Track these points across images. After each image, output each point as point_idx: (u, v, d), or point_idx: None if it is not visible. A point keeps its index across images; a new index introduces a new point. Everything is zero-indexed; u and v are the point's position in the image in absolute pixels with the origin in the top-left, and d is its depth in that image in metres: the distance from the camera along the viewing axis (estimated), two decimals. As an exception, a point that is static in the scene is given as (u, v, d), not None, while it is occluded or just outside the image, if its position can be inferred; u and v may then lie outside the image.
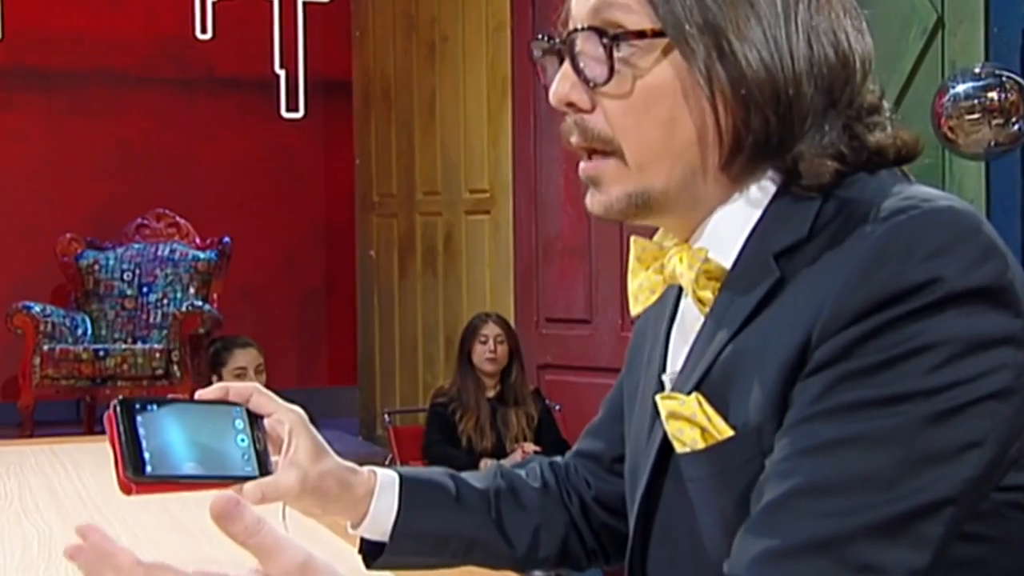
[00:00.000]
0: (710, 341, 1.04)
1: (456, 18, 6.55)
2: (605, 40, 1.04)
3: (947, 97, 3.65)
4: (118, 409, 1.12)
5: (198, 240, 7.49)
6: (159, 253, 7.39)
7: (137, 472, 1.11)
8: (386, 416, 5.49)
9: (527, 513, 1.34)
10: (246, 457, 1.19)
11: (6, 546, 1.65)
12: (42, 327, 6.86)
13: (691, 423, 1.02)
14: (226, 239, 7.39)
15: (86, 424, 7.16)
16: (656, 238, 1.16)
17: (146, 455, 1.11)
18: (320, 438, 1.25)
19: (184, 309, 6.97)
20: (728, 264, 1.05)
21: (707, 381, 1.03)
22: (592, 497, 1.36)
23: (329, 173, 8.14)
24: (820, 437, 0.92)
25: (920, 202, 0.97)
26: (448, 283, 6.65)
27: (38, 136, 7.62)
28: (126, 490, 1.12)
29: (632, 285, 1.12)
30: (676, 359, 1.13)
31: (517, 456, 4.87)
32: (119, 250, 7.41)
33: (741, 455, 0.99)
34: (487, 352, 4.97)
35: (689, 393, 1.03)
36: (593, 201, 1.10)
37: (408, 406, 6.54)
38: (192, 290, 7.29)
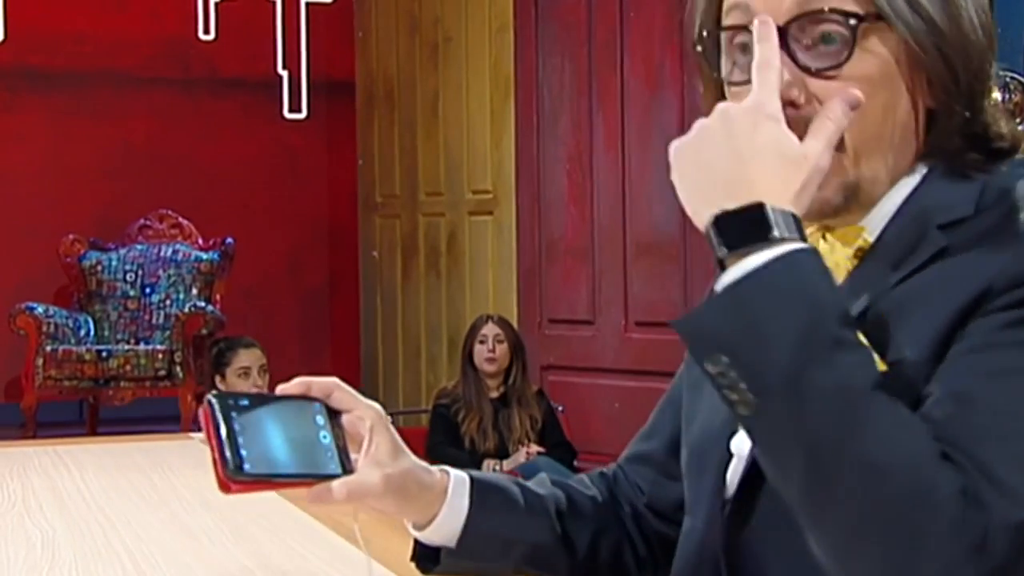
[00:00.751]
0: (863, 288, 1.04)
1: (459, 19, 6.55)
2: (837, 24, 1.05)
3: (951, 98, 3.65)
4: (215, 405, 1.11)
5: (201, 241, 7.49)
6: (162, 254, 7.39)
7: (238, 470, 1.09)
8: (389, 417, 5.49)
9: (585, 520, 1.32)
10: (330, 455, 1.17)
11: (9, 547, 1.65)
12: (45, 328, 6.86)
13: None
14: (229, 240, 7.39)
15: (89, 425, 7.16)
16: None
17: (243, 452, 1.10)
18: (397, 436, 1.24)
19: (187, 310, 6.97)
20: (873, 233, 1.08)
21: (863, 322, 1.01)
22: (645, 504, 1.34)
23: (332, 174, 8.14)
24: (1005, 364, 0.94)
25: None
26: (451, 284, 6.65)
27: (41, 137, 7.63)
28: (225, 488, 1.10)
29: None
30: None
31: (521, 457, 4.87)
32: (122, 251, 7.41)
33: (892, 390, 0.96)
34: (486, 352, 4.97)
35: None
36: None
37: (411, 407, 6.54)
38: (195, 291, 7.29)
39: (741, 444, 1.14)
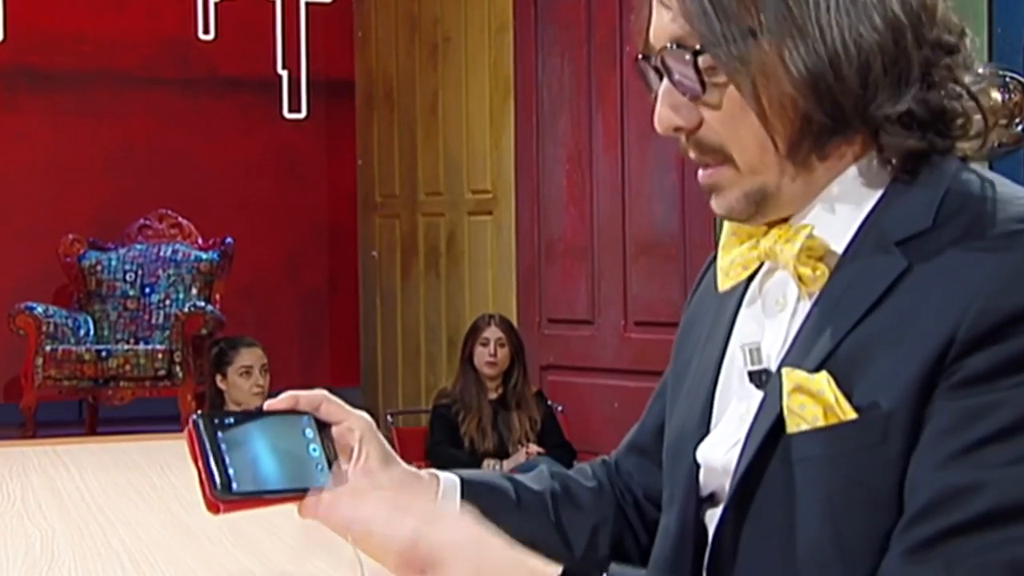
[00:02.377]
0: (826, 324, 1.04)
1: (459, 19, 6.55)
2: (687, 56, 1.06)
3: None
4: (200, 425, 1.10)
5: (200, 241, 7.49)
6: (161, 254, 7.39)
7: (226, 490, 1.09)
8: (388, 417, 5.49)
9: (584, 513, 1.34)
10: (319, 467, 1.17)
11: (8, 547, 1.65)
12: (44, 328, 6.86)
13: (816, 399, 1.02)
14: (228, 240, 7.39)
15: (88, 425, 7.16)
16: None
17: (231, 471, 1.10)
18: (387, 444, 1.25)
19: (186, 310, 6.97)
20: (838, 247, 1.07)
21: (830, 363, 1.03)
22: (643, 494, 1.36)
23: (331, 174, 8.14)
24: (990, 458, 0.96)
25: None
26: (450, 284, 6.65)
27: (40, 137, 7.63)
28: (213, 509, 1.10)
29: (723, 260, 1.14)
30: (752, 334, 1.13)
31: (521, 457, 4.87)
32: (121, 251, 7.41)
33: (862, 439, 1.00)
34: (487, 355, 4.96)
35: (815, 372, 1.03)
36: (716, 205, 1.12)
37: (410, 407, 6.54)
38: (194, 291, 7.29)
39: (707, 453, 1.15)
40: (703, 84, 1.06)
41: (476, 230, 6.47)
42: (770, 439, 1.06)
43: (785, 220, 1.11)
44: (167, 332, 7.03)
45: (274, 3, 7.05)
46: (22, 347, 6.89)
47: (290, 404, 1.20)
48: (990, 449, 0.95)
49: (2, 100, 7.59)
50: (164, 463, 2.22)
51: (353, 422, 1.23)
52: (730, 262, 1.13)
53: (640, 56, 1.13)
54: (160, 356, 6.90)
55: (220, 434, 1.11)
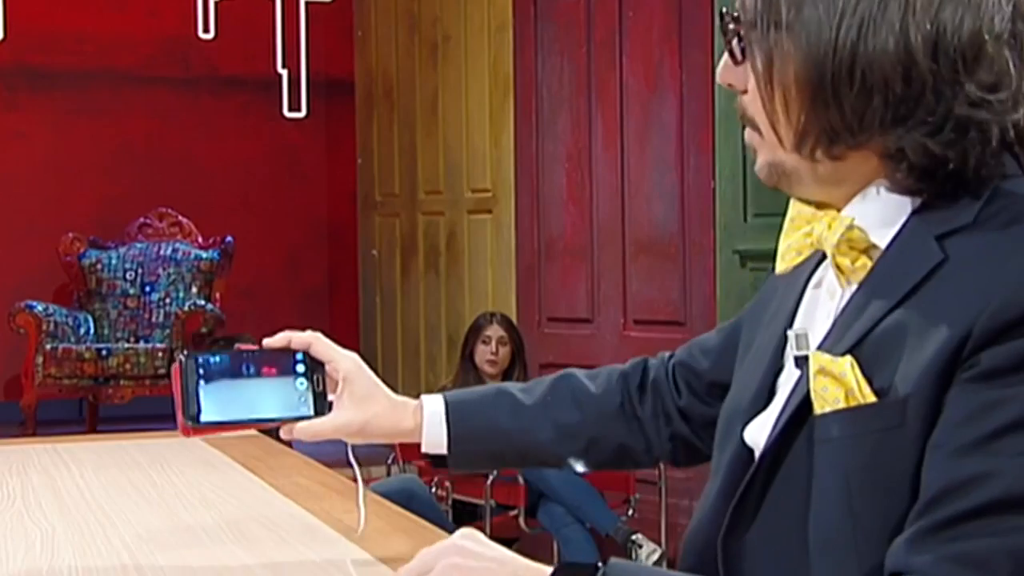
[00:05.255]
0: (862, 310, 1.07)
1: (458, 18, 6.55)
2: (731, 26, 1.13)
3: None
4: (184, 362, 1.31)
5: (200, 239, 7.49)
6: (162, 252, 7.39)
7: (193, 419, 1.30)
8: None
9: (584, 424, 1.45)
10: (303, 399, 1.37)
11: (9, 545, 1.65)
12: (45, 326, 6.87)
13: (839, 382, 1.05)
14: (228, 238, 7.39)
15: (88, 423, 7.16)
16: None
17: (202, 404, 1.30)
18: (372, 383, 1.43)
19: (187, 308, 6.97)
20: (882, 241, 1.09)
21: (860, 348, 1.06)
22: (678, 407, 1.45)
23: (331, 172, 8.14)
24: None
25: None
26: (450, 282, 6.65)
27: (41, 135, 7.63)
28: (184, 433, 1.32)
29: (782, 245, 1.18)
30: (807, 319, 1.17)
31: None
32: (122, 249, 7.41)
33: (881, 422, 1.02)
34: (488, 353, 4.96)
35: (842, 355, 1.06)
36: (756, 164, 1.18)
37: (410, 405, 6.53)
38: (194, 289, 7.30)
39: (755, 435, 1.17)
40: (742, 54, 1.12)
41: (476, 229, 6.48)
42: (797, 420, 1.09)
43: (839, 210, 1.14)
44: (167, 331, 7.04)
45: (274, 2, 7.04)
46: (22, 345, 6.90)
47: (284, 343, 1.40)
48: (1003, 440, 0.97)
49: (2, 99, 7.59)
50: (164, 461, 2.23)
51: (338, 362, 1.42)
52: (787, 247, 1.17)
53: (722, 13, 1.18)
54: (160, 355, 6.90)
55: (201, 371, 1.31)
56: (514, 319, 5.60)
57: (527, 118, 6.13)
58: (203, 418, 1.31)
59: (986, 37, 1.04)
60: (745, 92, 1.14)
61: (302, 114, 7.12)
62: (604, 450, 1.46)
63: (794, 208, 1.17)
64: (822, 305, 1.17)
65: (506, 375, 4.99)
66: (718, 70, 1.17)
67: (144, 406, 6.91)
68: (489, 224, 6.39)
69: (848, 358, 1.05)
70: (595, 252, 5.80)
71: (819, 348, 1.10)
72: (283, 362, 1.37)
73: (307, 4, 7.06)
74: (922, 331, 1.02)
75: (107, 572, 1.52)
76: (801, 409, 1.08)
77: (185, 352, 1.37)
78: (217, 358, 1.33)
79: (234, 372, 1.33)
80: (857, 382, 1.04)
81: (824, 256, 1.16)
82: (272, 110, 7.43)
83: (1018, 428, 0.97)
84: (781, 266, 1.18)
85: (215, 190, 7.90)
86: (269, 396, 1.35)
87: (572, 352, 5.90)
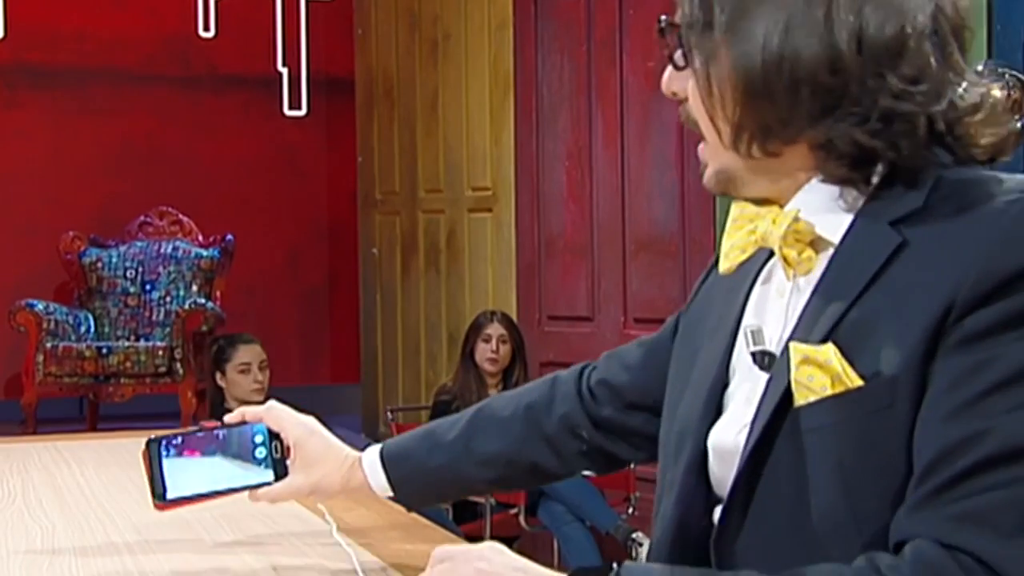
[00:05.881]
0: (828, 302, 1.08)
1: (459, 16, 6.55)
2: (668, 32, 1.15)
3: (950, 95, 3.64)
4: (150, 448, 1.46)
5: (201, 238, 7.49)
6: (162, 251, 7.39)
7: (160, 498, 1.47)
8: (388, 413, 5.49)
9: (499, 451, 1.51)
10: (264, 466, 1.50)
11: (9, 543, 1.65)
12: (45, 324, 6.87)
13: (824, 369, 1.06)
14: (229, 237, 7.39)
15: (89, 421, 7.16)
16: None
17: (167, 483, 1.46)
18: (324, 445, 1.53)
19: (187, 307, 6.97)
20: (833, 236, 1.10)
21: (834, 337, 1.06)
22: (594, 419, 1.50)
23: (332, 171, 8.15)
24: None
25: None
26: (451, 281, 6.65)
27: (41, 134, 7.63)
28: (159, 509, 1.48)
29: (725, 244, 1.18)
30: (758, 318, 1.18)
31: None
32: (122, 248, 7.41)
33: (870, 404, 1.04)
34: (489, 351, 4.96)
35: (821, 343, 1.07)
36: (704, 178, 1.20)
37: (411, 403, 6.54)
38: (195, 288, 7.30)
39: (718, 438, 1.17)
40: (684, 59, 1.14)
41: (476, 227, 6.47)
42: (778, 414, 1.09)
43: (782, 206, 1.14)
44: (167, 329, 7.04)
45: (274, 1, 7.04)
46: (23, 344, 6.90)
47: (239, 419, 1.53)
48: (992, 399, 0.98)
49: (3, 97, 7.59)
50: (165, 459, 2.22)
51: (288, 431, 1.52)
52: (730, 246, 1.17)
53: (659, 20, 1.19)
54: (160, 353, 6.90)
55: (164, 453, 1.47)
56: (514, 317, 5.60)
57: (527, 116, 6.12)
58: (169, 495, 1.46)
59: (908, 31, 1.07)
60: (686, 99, 1.16)
61: (302, 112, 7.12)
62: (519, 471, 1.52)
63: (736, 208, 1.18)
64: (771, 302, 1.17)
65: (506, 373, 4.99)
66: (663, 81, 1.18)
67: (144, 404, 6.91)
68: (489, 222, 6.38)
69: (830, 345, 1.06)
70: (595, 250, 5.80)
71: (791, 337, 1.11)
72: (242, 435, 1.50)
73: (307, 2, 7.06)
74: (896, 313, 1.04)
75: (107, 569, 1.52)
76: (782, 403, 1.09)
77: (150, 437, 1.46)
78: (179, 439, 1.47)
79: (196, 450, 1.48)
80: (843, 368, 1.05)
81: (769, 255, 1.18)
82: (272, 108, 7.43)
83: (1007, 385, 0.98)
84: (725, 265, 1.18)
85: (215, 188, 7.90)
86: (230, 468, 1.49)
87: (572, 350, 5.90)
